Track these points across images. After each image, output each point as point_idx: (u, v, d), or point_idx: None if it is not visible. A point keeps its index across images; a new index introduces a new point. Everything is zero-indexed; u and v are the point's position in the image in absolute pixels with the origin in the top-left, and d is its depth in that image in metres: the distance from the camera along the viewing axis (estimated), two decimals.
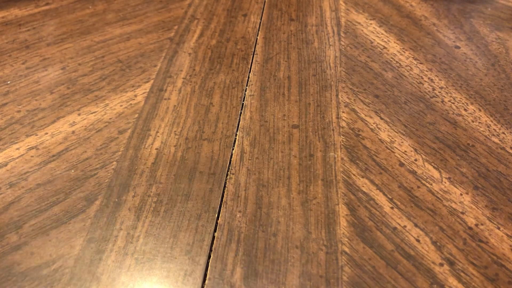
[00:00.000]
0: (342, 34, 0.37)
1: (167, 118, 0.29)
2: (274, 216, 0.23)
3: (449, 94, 0.31)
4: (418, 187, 0.25)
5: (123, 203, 0.24)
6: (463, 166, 0.26)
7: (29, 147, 0.27)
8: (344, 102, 0.30)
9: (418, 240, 0.22)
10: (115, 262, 0.22)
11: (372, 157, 0.26)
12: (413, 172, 0.26)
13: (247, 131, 0.28)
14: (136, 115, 0.29)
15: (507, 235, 0.23)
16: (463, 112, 0.30)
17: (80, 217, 0.23)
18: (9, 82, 0.32)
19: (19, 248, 0.22)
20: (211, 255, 0.22)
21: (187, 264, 0.21)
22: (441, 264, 0.21)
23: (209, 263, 0.21)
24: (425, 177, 0.25)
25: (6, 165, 0.26)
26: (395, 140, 0.27)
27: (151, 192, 0.25)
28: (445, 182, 0.25)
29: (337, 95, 0.31)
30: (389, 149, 0.27)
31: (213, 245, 0.22)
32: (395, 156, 0.26)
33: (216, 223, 0.23)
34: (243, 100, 0.30)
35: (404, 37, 0.37)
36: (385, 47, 0.35)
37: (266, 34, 0.37)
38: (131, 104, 0.30)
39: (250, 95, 0.31)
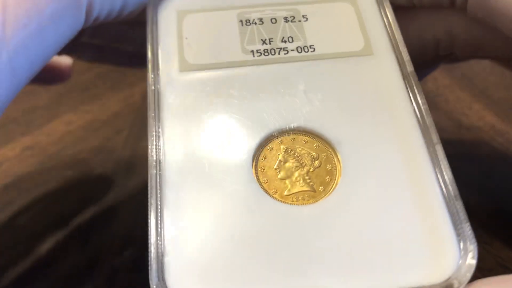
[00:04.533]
0: None
1: None
2: None
3: (453, 93, 0.31)
4: None
5: None
6: (467, 166, 0.26)
7: (24, 146, 0.26)
8: None
9: None
10: None
11: None
12: None
13: None
14: (134, 114, 0.29)
15: None
16: (467, 112, 0.29)
17: None
18: None
19: None
20: None
21: None
22: None
23: None
24: None
25: (1, 165, 0.25)
26: None
27: None
28: None
29: None
30: None
31: None
32: None
33: None
34: None
35: None
36: None
37: None
38: (128, 103, 0.29)
39: None
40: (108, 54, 0.21)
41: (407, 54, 0.15)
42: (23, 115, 0.28)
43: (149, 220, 0.13)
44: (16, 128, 0.28)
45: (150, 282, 0.12)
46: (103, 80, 0.31)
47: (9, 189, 0.24)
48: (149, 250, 0.12)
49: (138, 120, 0.28)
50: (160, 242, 0.12)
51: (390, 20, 0.16)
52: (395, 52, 0.15)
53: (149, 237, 0.12)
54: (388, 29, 0.16)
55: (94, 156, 0.26)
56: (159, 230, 0.12)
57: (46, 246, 0.22)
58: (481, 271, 0.22)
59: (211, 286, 0.12)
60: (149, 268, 0.12)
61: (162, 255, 0.12)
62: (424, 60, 0.19)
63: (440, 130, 0.28)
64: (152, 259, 0.12)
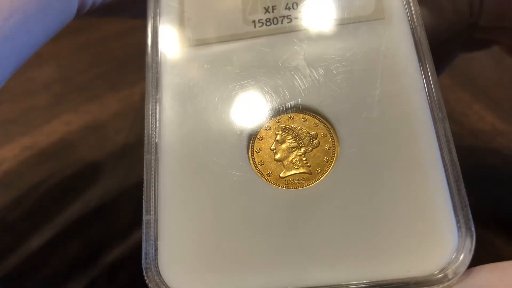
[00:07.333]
0: None
1: None
2: None
3: (454, 93, 0.31)
4: None
5: None
6: (467, 166, 0.26)
7: (24, 146, 0.26)
8: None
9: None
10: None
11: None
12: None
13: None
14: (134, 114, 0.29)
15: None
16: (467, 112, 0.29)
17: None
18: None
19: None
20: None
21: None
22: None
23: None
24: None
25: (1, 165, 0.25)
26: None
27: None
28: None
29: None
30: None
31: None
32: None
33: None
34: None
35: None
36: None
37: None
38: (128, 103, 0.29)
39: None
40: None
41: (420, 18, 0.14)
42: (23, 116, 0.28)
43: (143, 202, 0.13)
44: (15, 128, 0.28)
45: (143, 266, 0.11)
46: (102, 80, 0.31)
47: (9, 189, 0.24)
48: (142, 234, 0.12)
49: (138, 120, 0.28)
50: (154, 226, 0.12)
51: None
52: (408, 16, 0.14)
53: (143, 221, 0.12)
54: None
55: (94, 156, 0.26)
56: (153, 213, 0.12)
57: (41, 241, 0.22)
58: None
59: (203, 270, 0.12)
60: (142, 253, 0.12)
61: (156, 240, 0.12)
62: (458, 30, 0.19)
63: None
64: (146, 244, 0.12)
